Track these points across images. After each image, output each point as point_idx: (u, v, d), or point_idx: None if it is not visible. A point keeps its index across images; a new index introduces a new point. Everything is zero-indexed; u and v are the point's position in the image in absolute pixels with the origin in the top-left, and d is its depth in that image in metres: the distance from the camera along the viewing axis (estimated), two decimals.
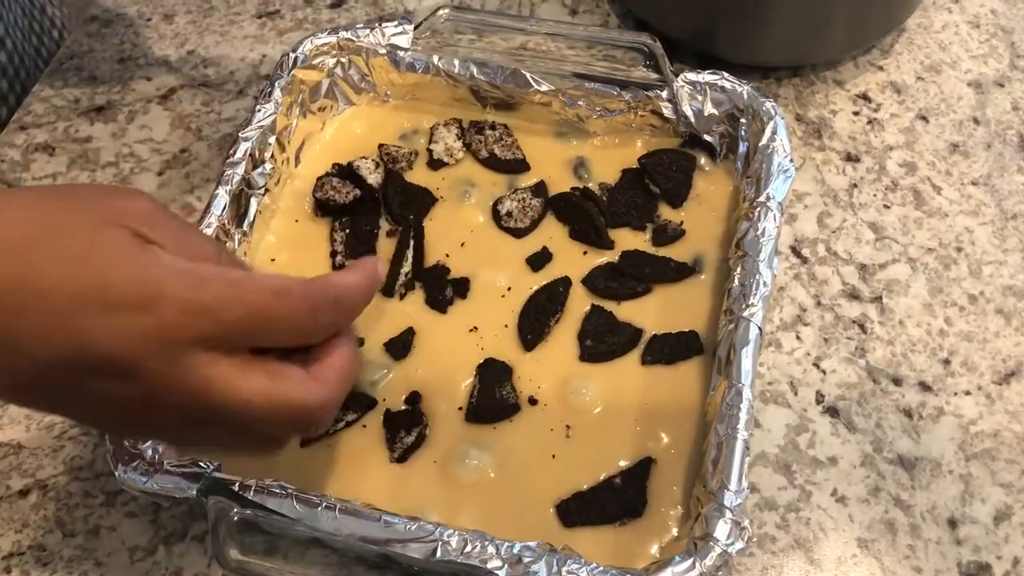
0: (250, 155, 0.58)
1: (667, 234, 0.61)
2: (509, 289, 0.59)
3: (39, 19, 0.81)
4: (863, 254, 0.63)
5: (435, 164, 0.64)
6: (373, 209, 0.62)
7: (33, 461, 0.55)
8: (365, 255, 0.60)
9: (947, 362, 0.59)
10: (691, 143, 0.63)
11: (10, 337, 0.35)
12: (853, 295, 0.62)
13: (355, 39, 0.64)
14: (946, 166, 0.68)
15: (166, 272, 0.36)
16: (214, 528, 0.45)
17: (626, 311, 0.58)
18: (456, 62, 0.64)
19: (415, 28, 0.64)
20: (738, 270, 0.54)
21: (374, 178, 0.62)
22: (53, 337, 0.35)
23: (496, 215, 0.62)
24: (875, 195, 0.66)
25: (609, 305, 0.58)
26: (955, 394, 0.58)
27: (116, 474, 0.47)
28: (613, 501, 0.51)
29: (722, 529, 0.45)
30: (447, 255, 0.60)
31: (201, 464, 0.47)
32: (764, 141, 0.59)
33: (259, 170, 0.59)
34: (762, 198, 0.56)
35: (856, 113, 0.70)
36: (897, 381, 0.58)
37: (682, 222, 0.61)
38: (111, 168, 0.68)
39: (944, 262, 0.63)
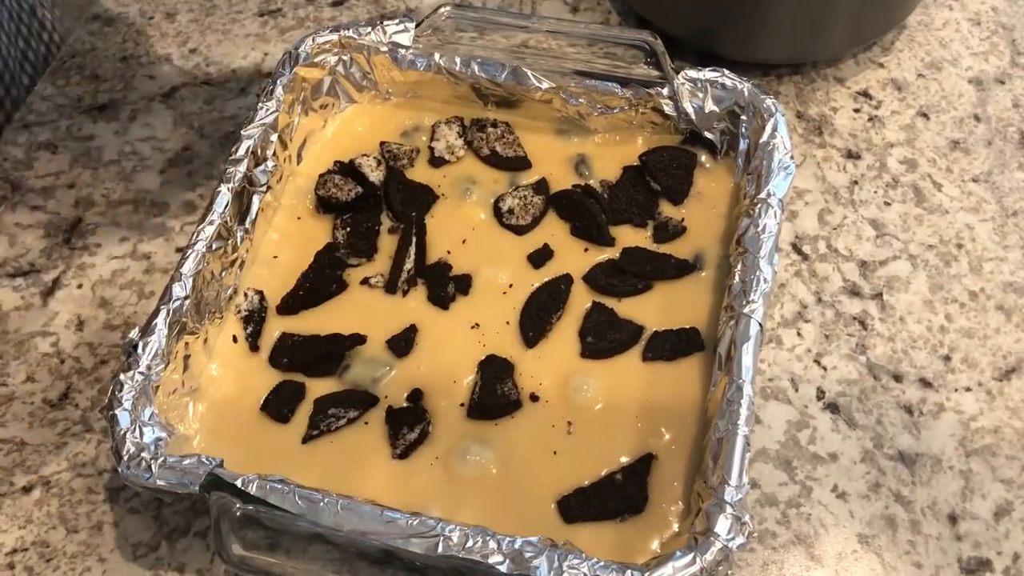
0: (252, 153, 0.59)
1: (668, 231, 0.61)
2: (511, 286, 0.59)
3: (27, 22, 0.80)
4: (864, 251, 0.63)
5: (436, 162, 0.64)
6: (375, 206, 0.62)
7: (36, 458, 0.56)
8: (366, 252, 0.60)
9: (947, 358, 0.59)
10: (692, 140, 0.63)
11: None
12: (854, 292, 0.62)
13: (357, 37, 0.64)
14: (947, 163, 0.68)
15: None
16: (217, 524, 0.45)
17: (627, 308, 0.58)
18: (457, 60, 0.64)
19: (416, 26, 0.64)
20: (739, 267, 0.54)
21: (376, 175, 0.62)
22: None
23: (497, 212, 0.62)
24: (876, 192, 0.66)
25: (610, 302, 0.58)
26: (955, 390, 0.58)
27: (119, 470, 0.47)
28: (614, 497, 0.51)
29: (723, 524, 0.45)
30: (449, 252, 0.60)
31: (204, 460, 0.47)
32: (765, 138, 0.59)
33: (261, 168, 0.59)
34: (763, 195, 0.56)
35: (857, 110, 0.71)
36: (898, 377, 0.58)
37: (683, 219, 0.61)
38: (113, 166, 0.68)
39: (945, 259, 0.63)
